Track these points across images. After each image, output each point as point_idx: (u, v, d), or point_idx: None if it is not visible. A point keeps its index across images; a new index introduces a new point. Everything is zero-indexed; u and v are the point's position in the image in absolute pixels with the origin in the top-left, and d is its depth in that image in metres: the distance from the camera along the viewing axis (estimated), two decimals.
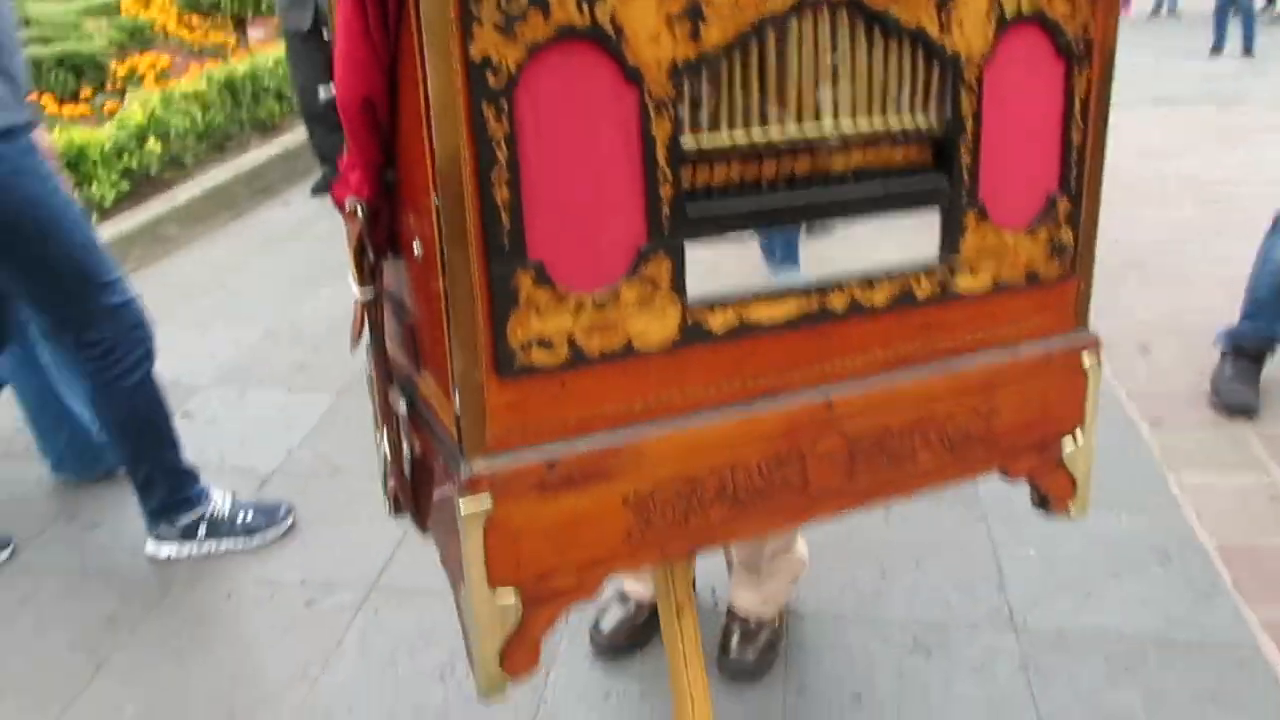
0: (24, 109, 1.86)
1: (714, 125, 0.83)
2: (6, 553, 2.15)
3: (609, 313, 0.82)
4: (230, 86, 5.34)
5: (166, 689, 1.79)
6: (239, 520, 2.15)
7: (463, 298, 0.78)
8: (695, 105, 0.82)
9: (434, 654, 1.82)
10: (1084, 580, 1.95)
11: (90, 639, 1.92)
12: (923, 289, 0.95)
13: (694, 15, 0.78)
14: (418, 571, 2.00)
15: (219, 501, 2.16)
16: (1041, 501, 1.12)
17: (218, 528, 2.13)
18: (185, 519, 2.12)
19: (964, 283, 0.97)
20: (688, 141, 0.82)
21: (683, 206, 0.83)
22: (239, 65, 5.60)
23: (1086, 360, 1.06)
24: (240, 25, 7.01)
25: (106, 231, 3.97)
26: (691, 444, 0.89)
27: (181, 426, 2.30)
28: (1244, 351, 2.58)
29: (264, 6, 6.72)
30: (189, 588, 2.06)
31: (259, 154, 5.23)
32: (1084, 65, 0.96)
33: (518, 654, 0.88)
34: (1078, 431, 1.09)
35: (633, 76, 0.77)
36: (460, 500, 0.82)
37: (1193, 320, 2.95)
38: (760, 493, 0.93)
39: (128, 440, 2.07)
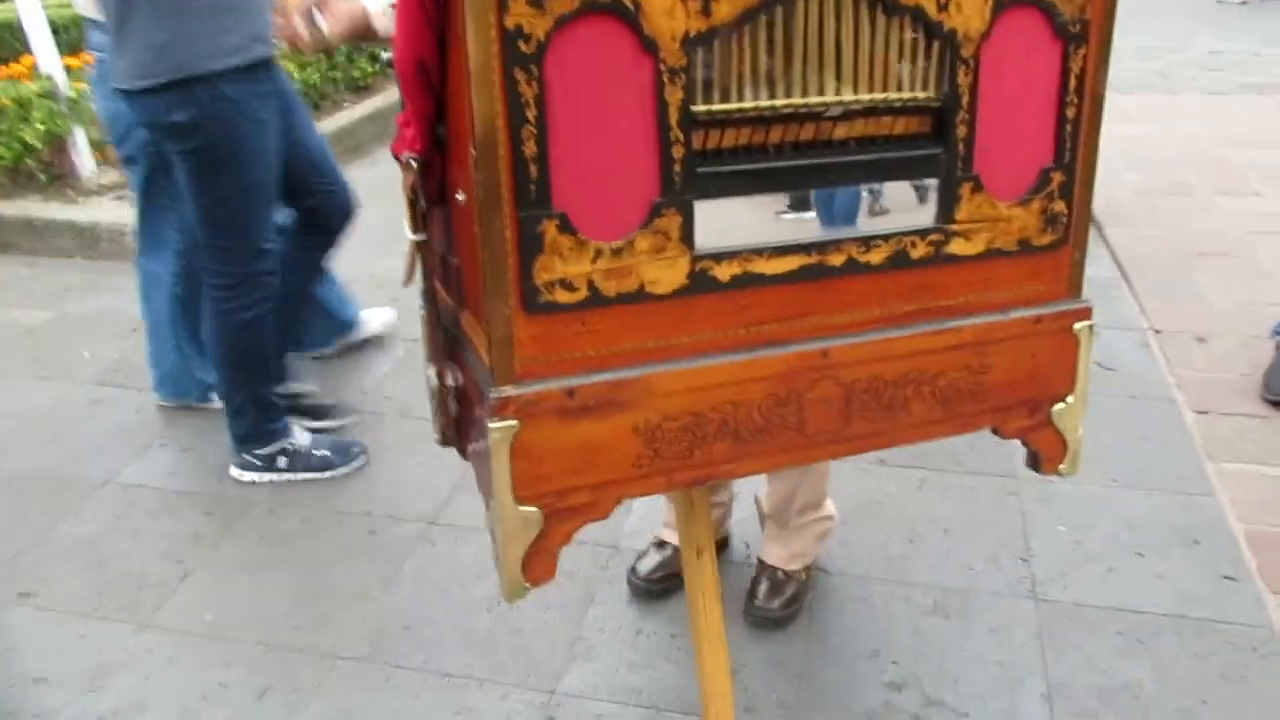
0: (262, 45, 2.02)
1: (724, 93, 0.93)
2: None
3: (625, 260, 0.93)
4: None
5: (243, 599, 1.98)
6: (316, 454, 2.33)
7: (495, 241, 0.89)
8: (706, 73, 0.92)
9: (484, 586, 1.97)
10: (1109, 557, 2.00)
11: (178, 551, 2.13)
12: (918, 251, 1.03)
13: None
14: (473, 510, 2.15)
15: (299, 436, 2.34)
16: (1033, 460, 1.19)
17: (296, 460, 2.32)
18: (268, 449, 2.31)
19: (958, 247, 1.05)
20: (699, 107, 0.92)
21: (693, 167, 0.92)
22: None
23: (1078, 327, 1.13)
24: None
25: None
26: (697, 382, 0.99)
27: None
28: None
29: None
30: (267, 512, 2.25)
31: (351, 113, 5.41)
32: (1081, 45, 1.02)
33: (538, 563, 1.00)
34: (1069, 396, 1.16)
35: (649, 46, 0.87)
36: (490, 422, 0.94)
37: (1260, 313, 2.93)
38: (760, 431, 1.03)
39: (229, 369, 2.26)
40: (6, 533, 2.21)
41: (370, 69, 5.93)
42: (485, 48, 0.83)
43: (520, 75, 0.85)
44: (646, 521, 2.09)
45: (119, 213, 3.87)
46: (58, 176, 4.23)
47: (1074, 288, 1.13)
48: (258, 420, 2.30)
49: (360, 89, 5.87)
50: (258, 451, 2.31)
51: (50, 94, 4.09)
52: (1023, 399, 1.14)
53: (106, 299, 3.49)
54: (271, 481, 2.32)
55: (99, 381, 2.88)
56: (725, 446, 1.02)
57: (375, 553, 2.10)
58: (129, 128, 2.30)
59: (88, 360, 3.01)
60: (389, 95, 5.47)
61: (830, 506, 1.87)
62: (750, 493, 1.99)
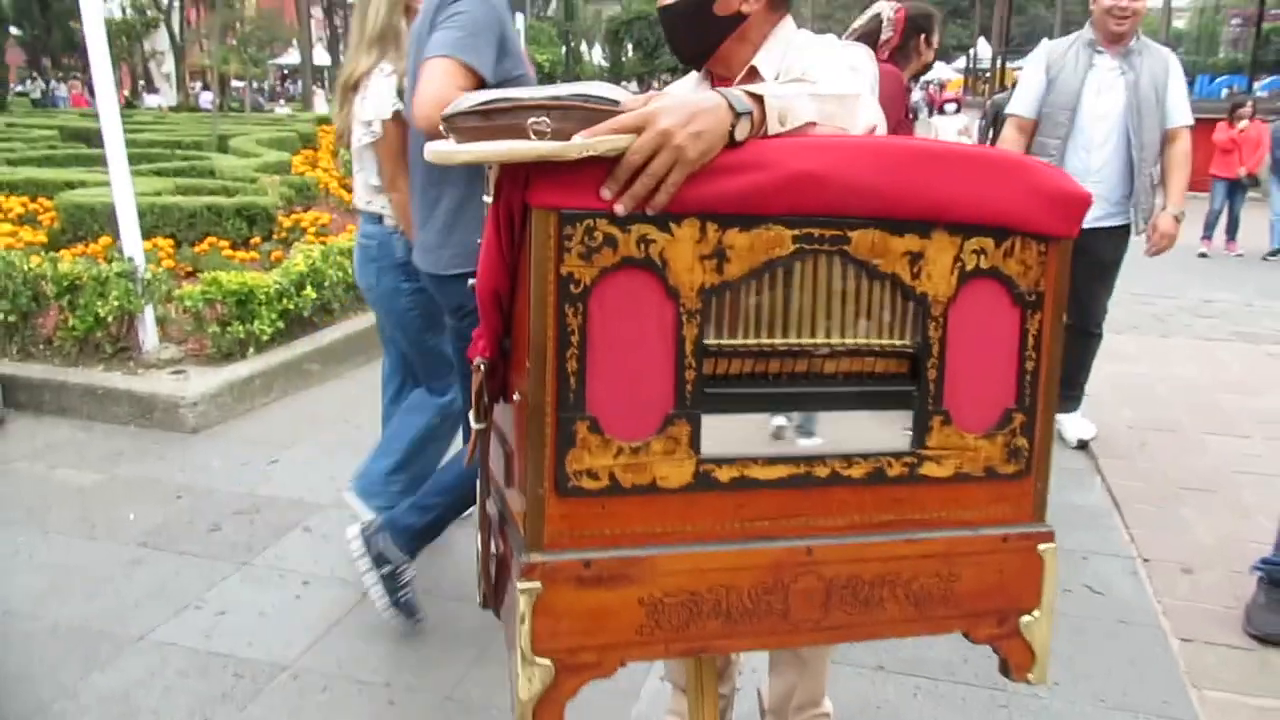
0: None
1: (732, 331, 1.16)
2: None
3: (641, 458, 1.14)
4: None
5: None
6: (407, 596, 2.55)
7: (537, 434, 1.11)
8: (719, 316, 1.15)
9: None
10: None
11: (205, 709, 2.30)
12: (893, 470, 1.22)
13: (719, 255, 1.12)
14: (487, 691, 2.32)
15: (409, 576, 2.55)
16: (1004, 667, 1.32)
17: (394, 588, 2.52)
18: (406, 559, 2.52)
19: (929, 470, 1.23)
20: (711, 341, 1.14)
21: (702, 388, 1.14)
22: None
23: (1042, 548, 1.28)
24: None
25: (259, 363, 4.62)
26: (696, 565, 1.17)
27: (300, 539, 2.72)
28: (1277, 581, 2.67)
29: None
30: (292, 678, 2.44)
31: None
32: (1037, 310, 1.23)
33: (547, 712, 1.16)
34: (1035, 611, 1.30)
35: (672, 294, 1.11)
36: (519, 583, 1.13)
37: (1244, 548, 3.05)
38: (749, 613, 1.19)
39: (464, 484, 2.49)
40: (41, 680, 2.38)
41: None
42: (544, 288, 1.08)
43: (569, 309, 1.09)
44: (654, 708, 2.20)
45: (175, 385, 4.27)
46: (122, 349, 4.61)
47: (1039, 512, 1.29)
48: (429, 532, 2.52)
49: None
50: (401, 549, 2.50)
51: (128, 274, 4.47)
52: (991, 609, 1.29)
53: (155, 465, 3.80)
54: (371, 584, 2.52)
55: (141, 543, 3.14)
56: (717, 624, 1.19)
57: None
58: (395, 300, 2.82)
59: (132, 521, 3.28)
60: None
61: (828, 704, 1.97)
62: (753, 687, 2.10)
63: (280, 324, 4.86)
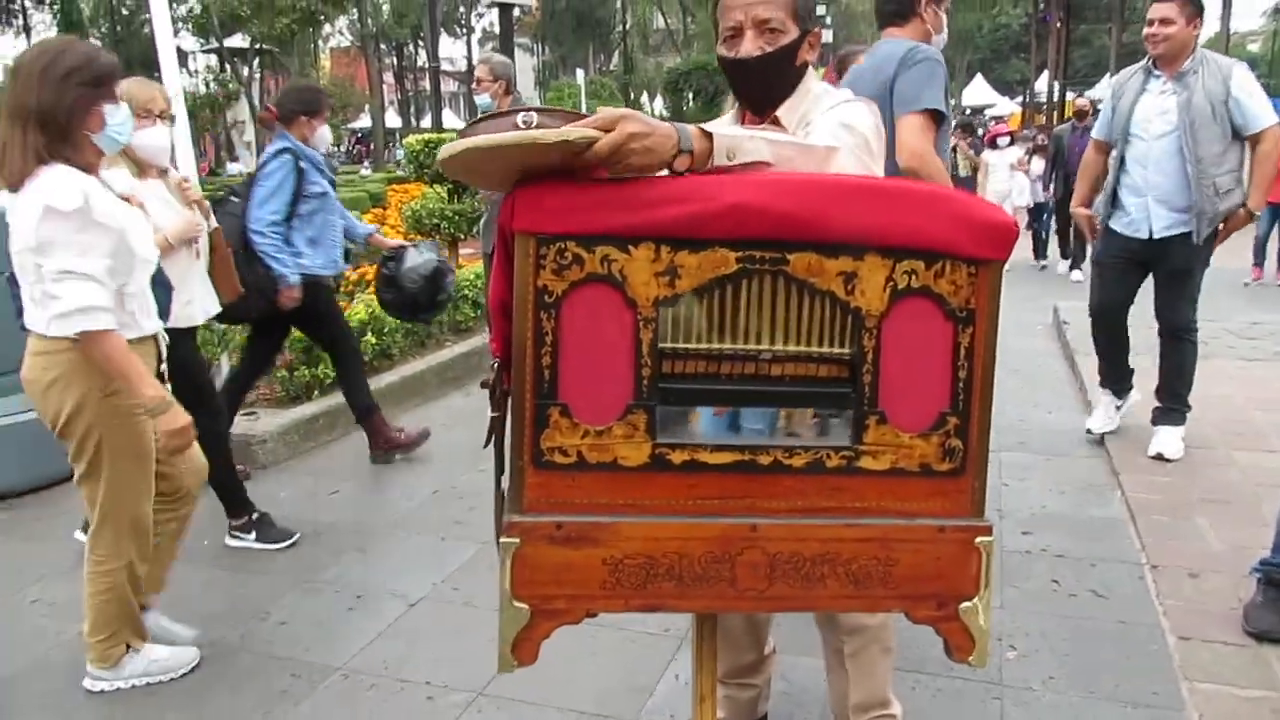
0: None
1: (685, 337, 1.37)
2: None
3: (604, 439, 1.37)
4: None
5: None
6: None
7: (518, 417, 1.36)
8: (674, 324, 1.36)
9: None
10: None
11: None
12: (832, 462, 1.39)
13: (671, 273, 1.34)
14: (516, 686, 2.55)
15: None
16: (946, 648, 1.45)
17: None
18: None
19: (866, 463, 1.39)
20: (665, 344, 1.36)
21: (658, 384, 1.36)
22: None
23: (979, 541, 1.42)
24: (454, 243, 8.25)
25: (322, 404, 5.05)
26: (652, 533, 1.38)
27: (353, 560, 3.09)
28: (1274, 581, 2.76)
29: (475, 230, 7.85)
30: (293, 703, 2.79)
31: (451, 351, 6.31)
32: (968, 325, 1.38)
33: (524, 648, 1.39)
34: (975, 599, 1.43)
35: (631, 304, 1.34)
36: (503, 538, 1.38)
37: (1252, 555, 3.04)
38: (700, 578, 1.39)
39: None
40: None
41: (473, 313, 6.76)
42: (524, 297, 1.33)
43: (544, 315, 1.33)
44: (668, 702, 2.40)
45: (248, 425, 4.71)
46: None
47: (976, 508, 1.43)
48: None
49: (462, 330, 6.74)
50: None
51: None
52: (929, 593, 1.43)
53: None
54: None
55: (214, 564, 3.54)
56: (671, 586, 1.39)
57: (430, 716, 2.55)
58: None
59: (206, 546, 3.66)
60: (485, 336, 6.25)
61: (896, 708, 2.12)
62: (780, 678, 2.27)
63: None
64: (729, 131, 1.39)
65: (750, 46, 1.73)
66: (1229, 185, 4.03)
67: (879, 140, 1.74)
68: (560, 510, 1.38)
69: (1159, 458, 4.15)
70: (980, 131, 13.65)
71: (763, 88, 1.79)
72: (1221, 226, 4.09)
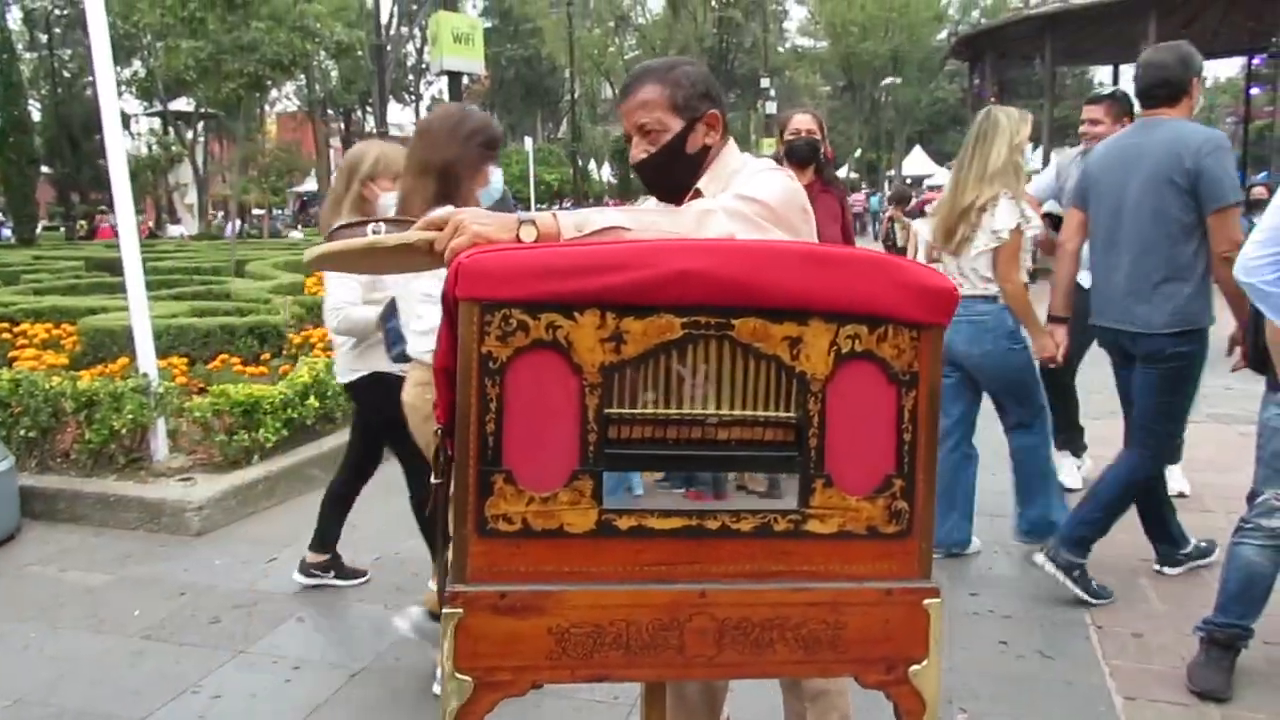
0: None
1: (631, 402, 1.37)
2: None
3: (550, 506, 1.35)
4: None
5: None
6: (1092, 583, 3.55)
7: (462, 484, 1.34)
8: (620, 389, 1.36)
9: None
10: None
11: None
12: (779, 525, 1.39)
13: (617, 339, 1.34)
14: None
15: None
16: (896, 713, 1.44)
17: (1085, 581, 3.52)
18: (1082, 562, 3.53)
19: (814, 526, 1.39)
20: (612, 410, 1.36)
21: (603, 449, 1.35)
22: None
23: (928, 603, 1.42)
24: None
25: (264, 468, 4.96)
26: (599, 601, 1.36)
27: (293, 629, 3.03)
28: (1216, 641, 2.85)
29: None
30: None
31: None
32: (911, 388, 1.40)
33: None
34: (924, 661, 1.42)
35: (576, 370, 1.34)
36: (445, 609, 1.35)
37: (1194, 614, 3.11)
38: (648, 646, 1.37)
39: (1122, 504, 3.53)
40: None
41: None
42: (468, 363, 1.32)
43: (488, 381, 1.32)
44: None
45: (183, 491, 4.65)
46: (135, 459, 4.95)
47: (924, 570, 1.43)
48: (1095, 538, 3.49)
49: None
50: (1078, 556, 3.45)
51: (142, 388, 4.84)
52: (878, 656, 1.42)
53: (161, 566, 4.15)
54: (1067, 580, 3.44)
55: (144, 635, 3.47)
56: (619, 655, 1.37)
57: None
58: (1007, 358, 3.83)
59: (137, 617, 3.62)
60: None
61: None
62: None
63: (284, 432, 5.13)
64: (581, 210, 1.49)
65: (637, 151, 1.88)
66: None
67: (793, 208, 1.77)
68: (504, 579, 1.35)
69: (1180, 496, 4.45)
70: (913, 200, 14.04)
71: (660, 183, 1.93)
72: None
